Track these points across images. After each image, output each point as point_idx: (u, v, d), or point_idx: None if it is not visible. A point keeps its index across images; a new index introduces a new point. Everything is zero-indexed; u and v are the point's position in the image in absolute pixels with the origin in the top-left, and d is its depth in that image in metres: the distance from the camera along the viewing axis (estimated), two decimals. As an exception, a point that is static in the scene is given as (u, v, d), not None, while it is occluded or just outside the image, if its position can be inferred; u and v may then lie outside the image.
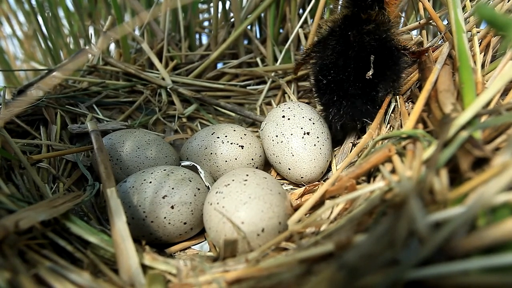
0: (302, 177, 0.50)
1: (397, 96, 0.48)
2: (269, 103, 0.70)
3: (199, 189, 0.44)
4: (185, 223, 0.43)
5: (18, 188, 0.41)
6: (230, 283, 0.30)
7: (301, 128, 0.49)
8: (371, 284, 0.22)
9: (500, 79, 0.33)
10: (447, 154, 0.29)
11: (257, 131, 0.62)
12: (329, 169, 0.52)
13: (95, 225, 0.41)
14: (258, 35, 0.79)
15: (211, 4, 0.77)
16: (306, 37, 0.70)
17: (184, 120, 0.68)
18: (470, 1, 0.48)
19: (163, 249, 0.44)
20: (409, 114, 0.43)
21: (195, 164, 0.48)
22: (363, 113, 0.47)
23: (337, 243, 0.26)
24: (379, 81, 0.45)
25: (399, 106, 0.47)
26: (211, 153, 0.51)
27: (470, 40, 0.44)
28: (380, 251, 0.24)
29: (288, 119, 0.50)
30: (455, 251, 0.22)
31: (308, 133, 0.49)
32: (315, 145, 0.49)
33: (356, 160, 0.45)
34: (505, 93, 0.37)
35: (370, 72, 0.44)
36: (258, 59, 0.74)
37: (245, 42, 0.78)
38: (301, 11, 0.74)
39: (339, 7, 0.51)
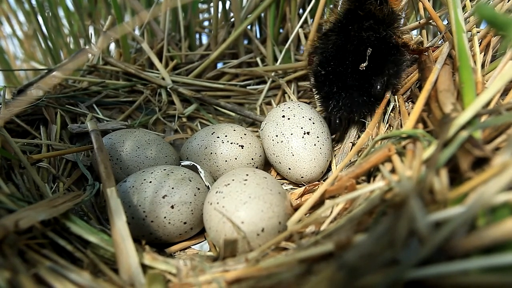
0: (302, 177, 0.50)
1: (397, 96, 0.48)
2: (269, 103, 0.70)
3: (199, 189, 0.44)
4: (185, 223, 0.43)
5: (18, 188, 0.41)
6: (230, 283, 0.30)
7: (301, 128, 0.49)
8: (371, 284, 0.22)
9: (500, 79, 0.33)
10: (447, 154, 0.29)
11: (257, 131, 0.62)
12: (329, 168, 0.52)
13: (95, 224, 0.41)
14: (258, 35, 0.79)
15: (211, 4, 0.77)
16: (306, 37, 0.70)
17: (184, 119, 0.68)
18: (470, 1, 0.48)
19: (163, 248, 0.44)
20: (409, 114, 0.43)
21: (195, 164, 0.48)
22: (360, 104, 0.48)
23: (337, 243, 0.26)
24: (376, 75, 0.46)
25: (398, 106, 0.47)
26: (211, 153, 0.51)
27: (470, 40, 0.44)
28: (380, 251, 0.24)
29: (288, 119, 0.50)
30: (455, 251, 0.22)
31: (308, 133, 0.49)
32: (315, 144, 0.49)
33: (356, 160, 0.45)
34: (505, 93, 0.37)
35: (364, 64, 0.45)
36: (258, 59, 0.74)
37: (245, 42, 0.78)
38: (301, 11, 0.74)
39: (340, 2, 0.51)
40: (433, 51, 0.46)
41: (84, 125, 0.56)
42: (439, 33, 0.50)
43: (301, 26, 0.70)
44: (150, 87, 0.69)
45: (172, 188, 0.43)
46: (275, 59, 0.73)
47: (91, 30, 0.85)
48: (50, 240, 0.33)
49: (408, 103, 0.47)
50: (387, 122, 0.47)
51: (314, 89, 0.52)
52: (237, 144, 0.51)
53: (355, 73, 0.46)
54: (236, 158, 0.50)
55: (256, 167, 0.52)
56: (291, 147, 0.49)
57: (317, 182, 0.50)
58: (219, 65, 0.76)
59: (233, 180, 0.41)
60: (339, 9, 0.50)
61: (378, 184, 0.34)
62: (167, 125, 0.66)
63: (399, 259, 0.23)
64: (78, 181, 0.51)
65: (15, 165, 0.44)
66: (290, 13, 0.71)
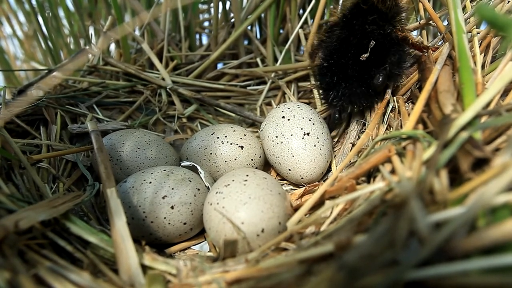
0: (302, 178, 0.50)
1: (396, 97, 0.48)
2: (269, 104, 0.70)
3: (199, 190, 0.44)
4: (185, 223, 0.43)
5: (18, 188, 0.41)
6: (230, 283, 0.30)
7: (301, 129, 0.49)
8: (371, 285, 0.22)
9: (500, 79, 0.33)
10: (447, 155, 0.29)
11: (257, 132, 0.62)
12: (329, 169, 0.52)
13: (95, 225, 0.41)
14: (258, 36, 0.79)
15: (211, 5, 0.77)
16: (306, 38, 0.70)
17: (184, 120, 0.68)
18: (470, 2, 0.48)
19: (163, 249, 0.44)
20: (409, 115, 0.43)
21: (195, 165, 0.48)
22: (359, 95, 0.48)
23: (337, 244, 0.26)
24: (377, 67, 0.46)
25: (398, 106, 0.47)
26: (211, 153, 0.51)
27: (470, 40, 0.44)
28: (380, 251, 0.24)
29: (288, 119, 0.50)
30: (455, 252, 0.22)
31: (308, 134, 0.49)
32: (315, 145, 0.49)
33: (356, 161, 0.45)
34: (505, 93, 0.37)
35: (366, 55, 0.45)
36: (258, 60, 0.74)
37: (245, 42, 0.78)
38: (301, 11, 0.74)
39: None
40: (433, 52, 0.47)
41: (84, 126, 0.56)
42: (439, 33, 0.50)
43: (301, 27, 0.70)
44: (150, 88, 0.69)
45: (172, 188, 0.43)
46: (275, 60, 0.73)
47: (91, 31, 0.85)
48: (50, 240, 0.33)
49: (408, 103, 0.47)
50: (387, 123, 0.47)
51: (316, 81, 0.53)
52: (237, 144, 0.51)
53: (356, 65, 0.47)
54: (235, 159, 0.50)
55: (256, 168, 0.52)
56: (291, 148, 0.49)
57: (317, 183, 0.50)
58: (219, 66, 0.76)
59: (233, 180, 0.41)
60: (345, 4, 0.50)
61: (378, 185, 0.34)
62: (167, 125, 0.66)
63: (399, 259, 0.23)
64: (78, 182, 0.51)
65: (15, 165, 0.44)
66: (290, 13, 0.71)
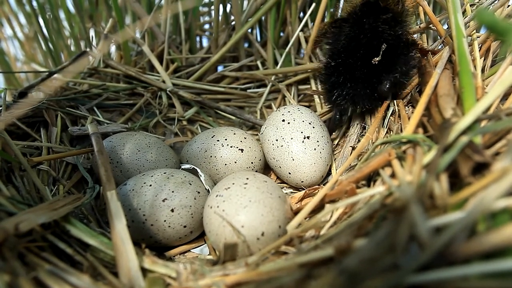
0: (302, 181, 0.50)
1: (397, 100, 0.48)
2: (269, 107, 0.71)
3: (199, 192, 0.44)
4: (185, 226, 0.43)
5: (18, 190, 0.41)
6: (230, 287, 0.30)
7: (301, 132, 0.49)
8: (371, 289, 0.22)
9: (500, 84, 0.33)
10: (447, 159, 0.29)
11: (257, 134, 0.62)
12: (329, 172, 0.52)
13: (95, 227, 0.41)
14: (258, 38, 0.79)
15: (212, 7, 0.77)
16: (306, 41, 0.70)
17: (185, 123, 0.68)
18: (470, 6, 0.48)
19: (163, 252, 0.44)
20: (409, 118, 0.43)
21: (195, 167, 0.48)
22: (363, 96, 0.48)
23: (337, 248, 0.26)
24: (386, 72, 0.46)
25: (398, 110, 0.47)
26: (211, 156, 0.51)
27: (470, 44, 0.44)
28: (380, 255, 0.24)
29: (288, 123, 0.50)
30: (455, 256, 0.22)
31: (308, 137, 0.49)
32: (315, 149, 0.49)
33: (356, 164, 0.45)
34: (505, 97, 0.37)
35: (377, 58, 0.45)
36: (258, 62, 0.74)
37: (246, 45, 0.78)
38: (301, 14, 0.75)
39: None
40: (433, 56, 0.47)
41: (84, 128, 0.56)
42: (439, 37, 0.50)
43: (302, 30, 0.70)
44: (150, 90, 0.69)
45: (172, 191, 0.43)
46: (276, 63, 0.73)
47: (92, 33, 0.85)
48: (50, 243, 0.33)
49: (408, 107, 0.47)
50: (387, 127, 0.47)
51: (321, 80, 0.52)
52: (237, 147, 0.51)
53: (364, 67, 0.46)
54: (235, 162, 0.50)
55: (256, 171, 0.52)
56: (291, 151, 0.49)
57: (317, 186, 0.50)
58: (220, 68, 0.76)
59: (233, 183, 0.41)
60: (354, 1, 0.50)
61: (378, 189, 0.34)
62: (168, 128, 0.66)
63: (399, 264, 0.23)
64: (78, 184, 0.51)
65: (16, 167, 0.44)
66: (291, 16, 0.71)
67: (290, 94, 0.68)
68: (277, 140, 0.50)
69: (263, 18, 0.75)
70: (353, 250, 0.26)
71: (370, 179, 0.40)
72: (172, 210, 0.42)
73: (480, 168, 0.28)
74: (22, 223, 0.30)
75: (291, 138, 0.49)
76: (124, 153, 0.50)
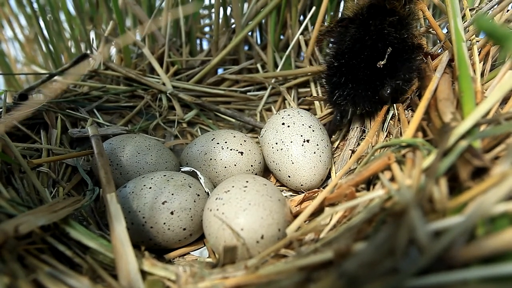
0: (302, 185, 0.50)
1: (396, 104, 0.48)
2: (269, 109, 0.71)
3: (198, 195, 0.44)
4: (184, 229, 0.43)
5: (18, 193, 0.41)
6: (229, 290, 0.30)
7: (301, 136, 0.50)
8: (371, 293, 0.22)
9: (500, 88, 0.33)
10: (447, 163, 0.29)
11: (257, 137, 0.62)
12: (329, 176, 0.52)
13: (95, 230, 0.41)
14: (259, 41, 0.79)
15: (213, 10, 0.78)
16: (306, 44, 0.70)
17: (184, 125, 0.68)
18: (470, 10, 0.49)
19: (162, 254, 0.44)
20: (408, 122, 0.43)
21: (195, 170, 0.48)
22: (364, 98, 0.48)
23: (337, 251, 0.26)
24: (390, 77, 0.46)
25: (398, 114, 0.47)
26: (211, 159, 0.51)
27: (470, 49, 0.44)
28: (379, 259, 0.24)
29: (288, 126, 0.51)
30: (455, 260, 0.22)
31: (308, 141, 0.49)
32: (315, 152, 0.49)
33: (355, 168, 0.45)
34: (504, 102, 0.38)
35: (382, 62, 0.45)
36: (258, 65, 0.75)
37: (246, 48, 0.79)
38: (301, 18, 0.75)
39: None
40: (432, 60, 0.47)
41: (84, 130, 0.57)
42: (438, 41, 0.50)
43: (302, 33, 0.70)
44: (150, 92, 0.69)
45: (172, 194, 0.43)
46: (276, 66, 0.73)
47: (92, 35, 0.85)
48: (50, 245, 0.33)
49: (407, 111, 0.48)
50: (386, 130, 0.47)
51: (323, 79, 0.52)
52: (237, 150, 0.51)
53: (368, 69, 0.46)
54: (235, 165, 0.50)
55: (256, 174, 0.52)
56: (291, 155, 0.49)
57: (316, 190, 0.50)
58: (220, 71, 0.77)
59: (233, 186, 0.41)
60: (359, 2, 0.50)
61: (378, 193, 0.34)
62: (167, 130, 0.66)
63: (398, 268, 0.23)
64: (78, 186, 0.51)
65: (15, 169, 0.44)
66: (291, 20, 0.72)
67: (290, 97, 0.68)
68: (276, 143, 0.50)
69: (263, 21, 0.75)
70: (353, 254, 0.26)
71: (370, 182, 0.40)
72: (172, 213, 0.42)
73: (480, 173, 0.28)
74: (22, 225, 0.30)
75: (291, 141, 0.49)
76: (124, 156, 0.50)
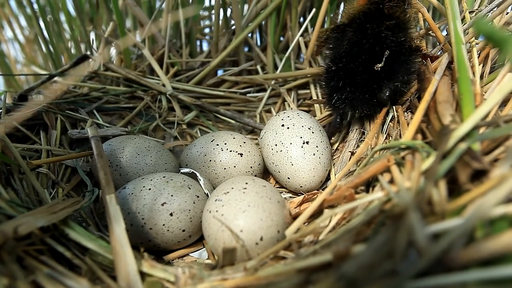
0: (301, 186, 0.50)
1: (396, 106, 0.48)
2: (268, 111, 0.71)
3: (198, 197, 0.44)
4: (183, 231, 0.43)
5: (17, 194, 0.41)
6: (228, 292, 0.30)
7: (301, 137, 0.50)
8: (370, 295, 0.22)
9: (499, 90, 0.33)
10: (446, 166, 0.29)
11: (256, 139, 0.62)
12: (328, 178, 0.52)
13: (94, 231, 0.41)
14: (258, 43, 0.79)
15: (213, 11, 0.78)
16: (306, 46, 0.70)
17: (184, 126, 0.68)
18: (469, 13, 0.49)
19: (162, 256, 0.44)
20: (408, 124, 0.43)
21: (195, 171, 0.48)
22: (362, 101, 0.48)
23: (336, 253, 0.26)
24: (388, 79, 0.46)
25: (397, 116, 0.47)
26: (210, 160, 0.51)
27: (469, 51, 0.44)
28: (378, 261, 0.24)
29: (288, 128, 0.51)
30: (453, 263, 0.22)
31: (307, 142, 0.49)
32: (314, 154, 0.49)
33: (355, 169, 0.45)
34: (503, 104, 0.38)
35: (380, 65, 0.45)
36: (258, 67, 0.75)
37: (246, 49, 0.79)
38: (301, 19, 0.75)
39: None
40: (432, 62, 0.47)
41: (84, 131, 0.57)
42: (438, 44, 0.50)
43: (302, 35, 0.70)
44: (150, 94, 0.69)
45: (171, 195, 0.43)
46: (275, 67, 0.73)
47: (92, 36, 0.85)
48: (49, 246, 0.33)
49: (407, 113, 0.48)
50: (386, 132, 0.47)
51: (321, 83, 0.52)
52: (236, 152, 0.51)
53: (365, 72, 0.46)
54: (235, 166, 0.50)
55: (255, 176, 0.52)
56: (291, 156, 0.49)
57: (316, 191, 0.50)
58: (220, 72, 0.77)
59: (232, 188, 0.41)
60: (358, 7, 0.50)
61: (377, 195, 0.34)
62: (167, 131, 0.66)
63: (397, 270, 0.23)
64: (77, 187, 0.51)
65: (15, 170, 0.44)
66: (291, 21, 0.72)
67: (290, 99, 0.68)
68: (276, 145, 0.50)
69: (263, 22, 0.75)
70: (352, 256, 0.26)
71: (369, 184, 0.40)
72: (171, 214, 0.42)
73: (479, 175, 0.28)
74: (21, 226, 0.30)
75: (291, 143, 0.49)
76: (124, 157, 0.50)
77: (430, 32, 0.52)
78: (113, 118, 0.67)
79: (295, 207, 0.47)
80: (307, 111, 0.65)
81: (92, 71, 0.70)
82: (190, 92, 0.70)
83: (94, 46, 0.83)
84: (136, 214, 0.42)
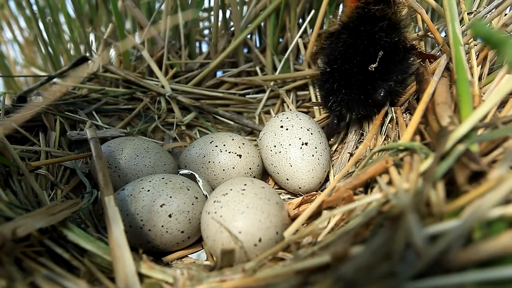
0: (300, 188, 0.50)
1: (394, 107, 0.48)
2: (268, 112, 0.71)
3: (197, 198, 0.44)
4: (182, 232, 0.43)
5: (16, 195, 0.41)
6: (226, 293, 0.30)
7: (299, 139, 0.50)
8: (368, 297, 0.22)
9: (497, 92, 0.33)
10: (444, 167, 0.29)
11: (255, 140, 0.62)
12: (327, 179, 0.52)
13: (93, 232, 0.41)
14: (257, 44, 0.79)
15: (212, 13, 0.78)
16: (305, 47, 0.70)
17: (183, 128, 0.68)
18: (468, 14, 0.49)
19: (160, 257, 0.44)
20: (406, 126, 0.43)
21: (193, 173, 0.48)
22: (358, 102, 0.48)
23: (334, 255, 0.26)
24: (382, 80, 0.46)
25: (396, 117, 0.47)
26: (209, 162, 0.51)
27: (468, 52, 0.44)
28: (376, 263, 0.24)
29: (286, 129, 0.51)
30: (451, 264, 0.23)
31: (306, 144, 0.49)
32: (313, 155, 0.49)
33: (354, 171, 0.45)
34: (501, 105, 0.38)
35: (374, 65, 0.45)
36: (257, 68, 0.75)
37: (245, 51, 0.79)
38: (300, 21, 0.75)
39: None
40: (430, 63, 0.47)
41: (83, 132, 0.57)
42: (436, 45, 0.50)
43: (301, 36, 0.70)
44: (149, 95, 0.69)
45: (170, 197, 0.43)
46: (275, 69, 0.73)
47: (91, 37, 0.85)
48: (47, 248, 0.33)
49: (406, 114, 0.48)
50: (385, 133, 0.47)
51: (318, 86, 0.53)
52: (235, 153, 0.51)
53: (360, 73, 0.47)
54: (234, 168, 0.50)
55: (254, 177, 0.52)
56: (289, 157, 0.49)
57: (314, 193, 0.50)
58: (219, 74, 0.77)
59: (231, 189, 0.41)
60: (350, 11, 0.50)
61: (375, 196, 0.34)
62: (166, 133, 0.66)
63: (395, 271, 0.23)
64: (76, 188, 0.51)
65: (14, 172, 0.44)
66: (290, 23, 0.72)
67: (289, 100, 0.68)
68: (275, 146, 0.50)
69: (262, 24, 0.75)
70: (350, 257, 0.26)
71: (368, 186, 0.40)
72: (170, 216, 0.42)
73: (477, 176, 0.28)
74: (20, 228, 0.30)
75: (289, 144, 0.50)
76: (123, 158, 0.50)
77: (428, 33, 0.52)
78: (112, 119, 0.67)
79: (294, 208, 0.47)
80: (306, 113, 0.65)
81: (91, 72, 0.70)
82: (189, 94, 0.71)
83: (94, 47, 0.83)
84: (135, 215, 0.42)
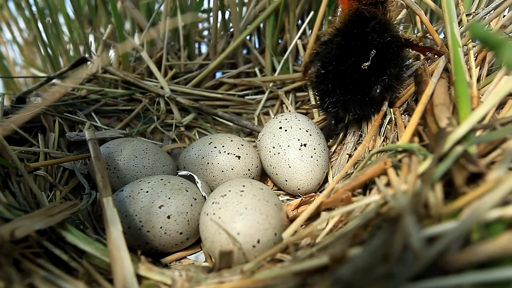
0: (299, 189, 0.50)
1: (393, 109, 0.48)
2: (267, 113, 0.71)
3: (195, 199, 0.44)
4: (181, 233, 0.43)
5: (14, 196, 0.41)
6: (225, 295, 0.30)
7: (298, 140, 0.50)
8: (365, 298, 0.22)
9: (496, 93, 0.33)
10: (442, 169, 0.29)
11: (254, 141, 0.62)
12: (325, 180, 0.52)
13: (91, 234, 0.40)
14: (257, 46, 0.79)
15: (211, 14, 0.78)
16: (304, 48, 0.71)
17: (182, 129, 0.68)
18: (466, 16, 0.49)
19: (159, 258, 0.44)
20: (405, 127, 0.43)
21: (192, 174, 0.48)
22: (354, 102, 0.48)
23: (332, 256, 0.26)
24: (376, 76, 0.46)
25: (394, 119, 0.47)
26: (208, 163, 0.51)
27: (466, 54, 0.44)
28: (374, 265, 0.24)
29: (285, 130, 0.51)
30: (449, 266, 0.23)
31: (305, 145, 0.49)
32: (312, 156, 0.49)
33: (352, 172, 0.45)
34: (500, 107, 0.38)
35: (367, 64, 0.45)
36: (256, 69, 0.75)
37: (244, 52, 0.79)
38: (299, 22, 0.75)
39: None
40: (429, 64, 0.47)
41: (82, 133, 0.57)
42: (435, 46, 0.50)
43: (300, 37, 0.70)
44: (148, 96, 0.69)
45: (169, 198, 0.43)
46: (274, 70, 0.73)
47: (91, 38, 0.85)
48: (46, 249, 0.33)
49: (404, 115, 0.48)
50: (383, 135, 0.48)
51: (313, 88, 0.53)
52: (234, 154, 0.51)
53: (355, 73, 0.47)
54: (232, 169, 0.50)
55: (253, 178, 0.52)
56: (288, 159, 0.49)
57: (313, 194, 0.50)
58: (218, 75, 0.77)
59: (229, 191, 0.41)
60: (342, 16, 0.50)
61: (374, 198, 0.34)
62: (165, 134, 0.66)
63: (393, 273, 0.23)
64: (75, 190, 0.51)
65: (12, 173, 0.44)
66: (289, 24, 0.72)
67: (288, 101, 0.68)
68: (274, 147, 0.50)
69: (261, 25, 0.75)
70: (348, 259, 0.26)
71: (366, 187, 0.40)
72: (169, 217, 0.42)
73: (475, 178, 0.28)
74: (18, 229, 0.30)
75: (288, 146, 0.50)
76: (121, 159, 0.50)
77: (427, 34, 0.52)
78: (111, 120, 0.67)
79: (293, 210, 0.48)
80: (305, 114, 0.65)
81: (91, 73, 0.70)
82: (188, 95, 0.71)
83: (93, 48, 0.83)
84: (134, 216, 0.42)
